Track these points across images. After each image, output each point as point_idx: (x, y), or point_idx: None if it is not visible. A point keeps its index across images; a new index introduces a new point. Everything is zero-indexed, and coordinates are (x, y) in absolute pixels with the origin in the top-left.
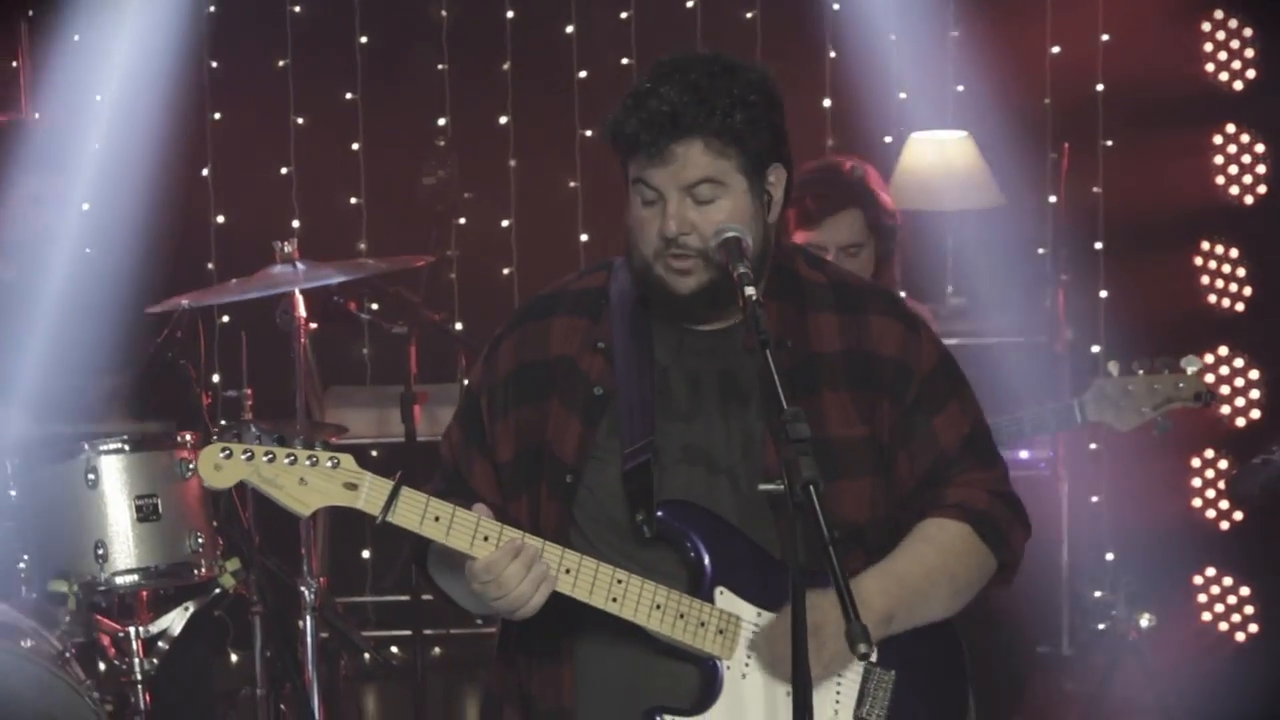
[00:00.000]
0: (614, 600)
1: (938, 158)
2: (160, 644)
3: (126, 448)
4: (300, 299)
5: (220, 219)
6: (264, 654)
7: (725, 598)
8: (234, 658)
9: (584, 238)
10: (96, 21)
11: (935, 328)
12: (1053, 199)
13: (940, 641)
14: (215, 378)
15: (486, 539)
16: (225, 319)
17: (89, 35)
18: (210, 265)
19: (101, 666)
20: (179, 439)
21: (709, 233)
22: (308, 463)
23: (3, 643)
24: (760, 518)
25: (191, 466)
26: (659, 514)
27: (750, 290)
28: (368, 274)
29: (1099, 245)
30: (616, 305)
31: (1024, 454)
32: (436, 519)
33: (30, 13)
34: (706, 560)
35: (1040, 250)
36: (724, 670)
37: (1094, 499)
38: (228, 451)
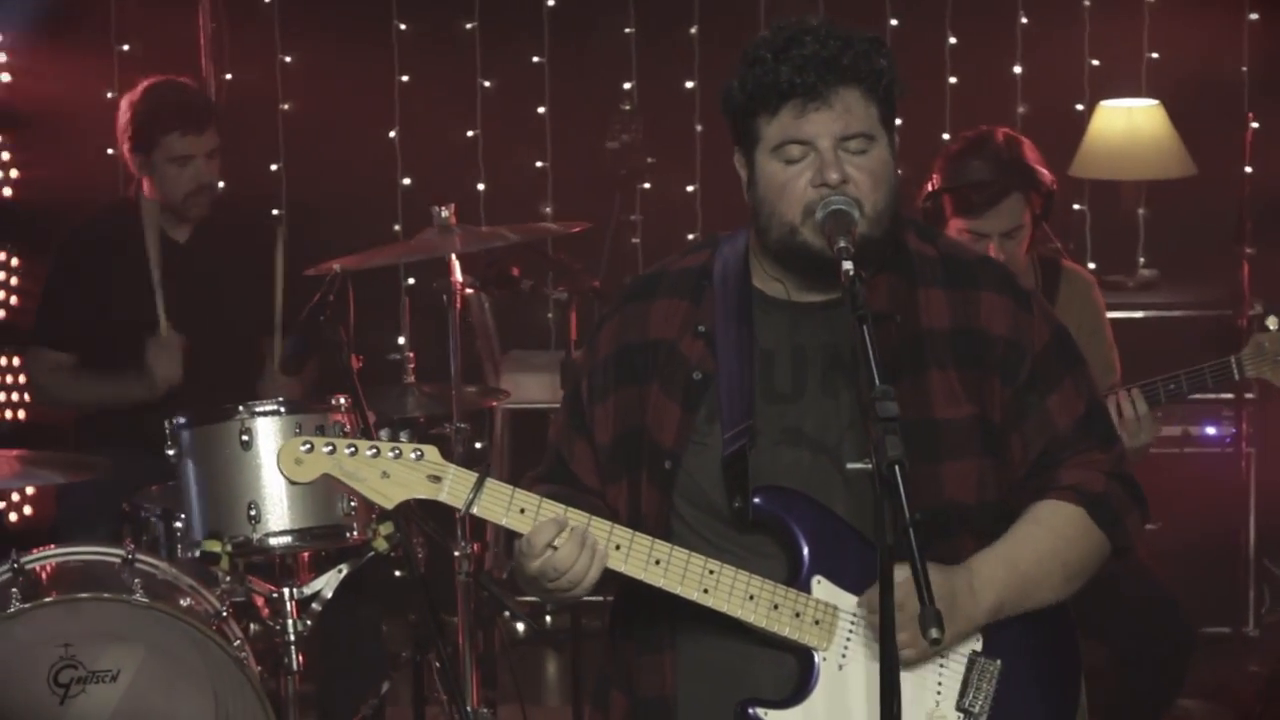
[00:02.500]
0: (705, 591)
1: (1126, 126)
2: (314, 605)
3: (281, 410)
4: (457, 264)
5: (407, 181)
6: (409, 619)
7: (823, 587)
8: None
9: None
10: None
11: (1096, 293)
12: (1250, 169)
13: (1052, 629)
14: (400, 339)
15: (573, 530)
16: (411, 281)
17: None
18: (397, 227)
19: (266, 625)
20: (333, 402)
21: (865, 185)
22: (390, 455)
23: (159, 603)
24: (865, 498)
25: (346, 430)
26: (755, 500)
27: (848, 265)
28: (526, 239)
29: None
30: (719, 286)
31: (1211, 430)
32: (522, 511)
33: None
34: (804, 549)
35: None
36: (820, 661)
37: None
38: (309, 445)
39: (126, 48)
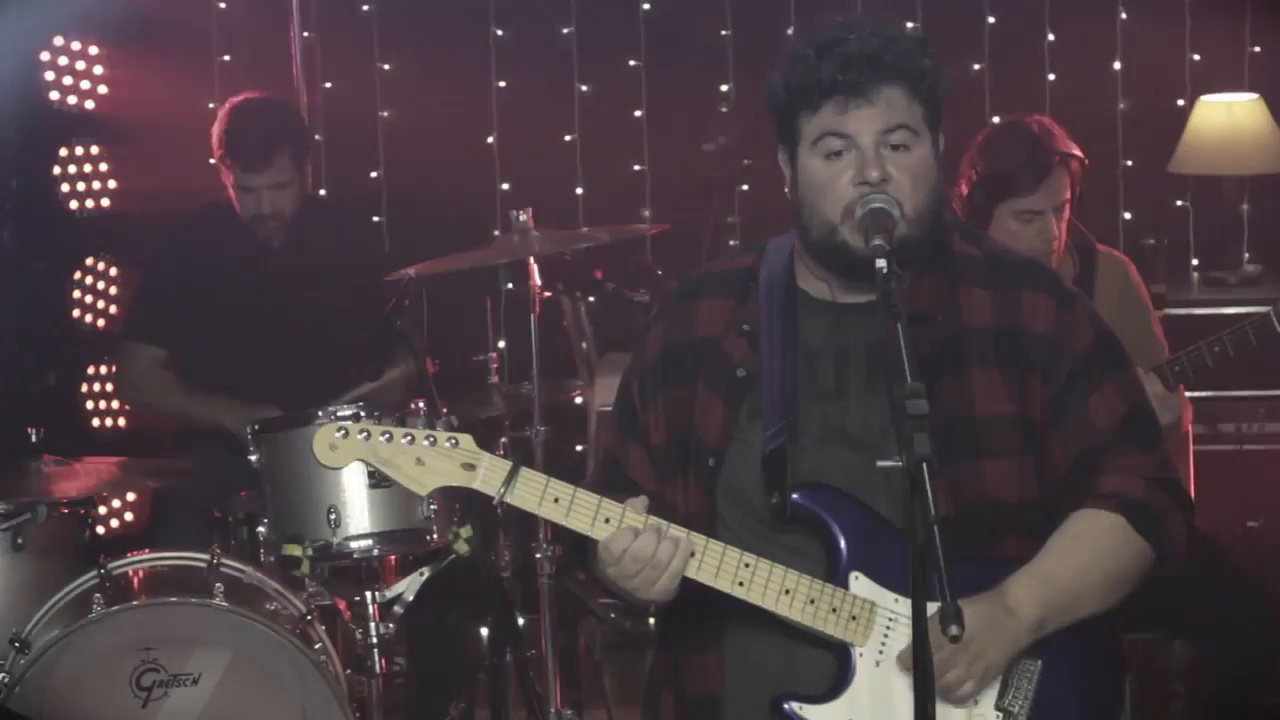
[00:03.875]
0: (740, 584)
1: (1226, 121)
2: (396, 609)
3: (360, 414)
4: (536, 267)
5: (505, 186)
6: (490, 621)
7: (861, 583)
8: (520, 622)
9: None
10: None
11: (1133, 272)
12: None
13: (1094, 630)
14: (500, 344)
15: (608, 521)
16: (510, 286)
17: (378, 5)
18: (496, 232)
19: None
20: (411, 406)
21: (906, 185)
22: (426, 442)
23: (241, 607)
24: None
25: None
26: (794, 497)
27: (881, 263)
28: (603, 242)
29: None
30: (765, 286)
31: None
32: (556, 500)
33: None
34: (842, 545)
35: None
36: (856, 657)
37: None
38: (344, 431)
39: (227, 58)
